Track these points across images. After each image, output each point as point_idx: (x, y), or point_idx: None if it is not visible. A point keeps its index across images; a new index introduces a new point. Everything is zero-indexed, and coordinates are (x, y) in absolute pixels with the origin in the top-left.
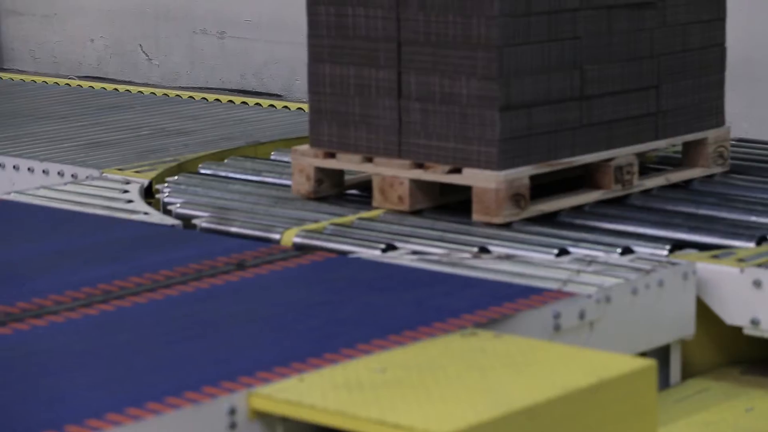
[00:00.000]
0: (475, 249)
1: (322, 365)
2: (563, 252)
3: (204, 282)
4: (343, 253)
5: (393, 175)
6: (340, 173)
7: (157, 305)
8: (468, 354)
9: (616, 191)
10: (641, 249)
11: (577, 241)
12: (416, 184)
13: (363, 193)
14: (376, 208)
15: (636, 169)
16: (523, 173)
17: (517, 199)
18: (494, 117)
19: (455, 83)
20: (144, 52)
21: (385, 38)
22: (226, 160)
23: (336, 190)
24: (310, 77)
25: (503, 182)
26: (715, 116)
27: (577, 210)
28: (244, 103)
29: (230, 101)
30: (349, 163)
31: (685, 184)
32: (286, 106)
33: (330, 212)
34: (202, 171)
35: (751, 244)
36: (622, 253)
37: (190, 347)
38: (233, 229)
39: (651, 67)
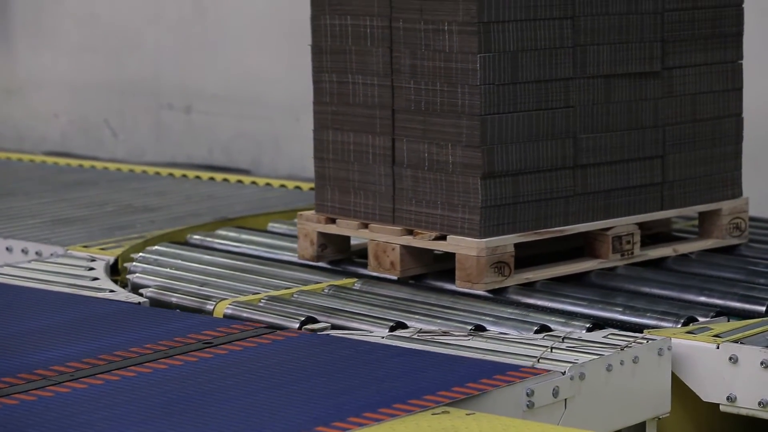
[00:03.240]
0: (419, 327)
1: None
2: (479, 329)
3: (176, 359)
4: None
5: (386, 241)
6: (346, 238)
7: (130, 382)
8: None
9: (614, 261)
10: (558, 327)
11: (499, 319)
12: (407, 250)
13: (365, 259)
14: (367, 275)
15: (637, 239)
16: (506, 241)
17: (499, 267)
18: (477, 184)
19: (442, 151)
20: (109, 127)
21: (381, 105)
22: (218, 231)
23: (342, 255)
24: (315, 143)
25: (484, 250)
26: (731, 187)
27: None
28: (211, 178)
29: (197, 177)
30: (348, 229)
31: (698, 255)
32: (254, 182)
33: (303, 280)
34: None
35: (676, 326)
36: (538, 331)
37: (163, 427)
38: (174, 300)
39: (655, 137)
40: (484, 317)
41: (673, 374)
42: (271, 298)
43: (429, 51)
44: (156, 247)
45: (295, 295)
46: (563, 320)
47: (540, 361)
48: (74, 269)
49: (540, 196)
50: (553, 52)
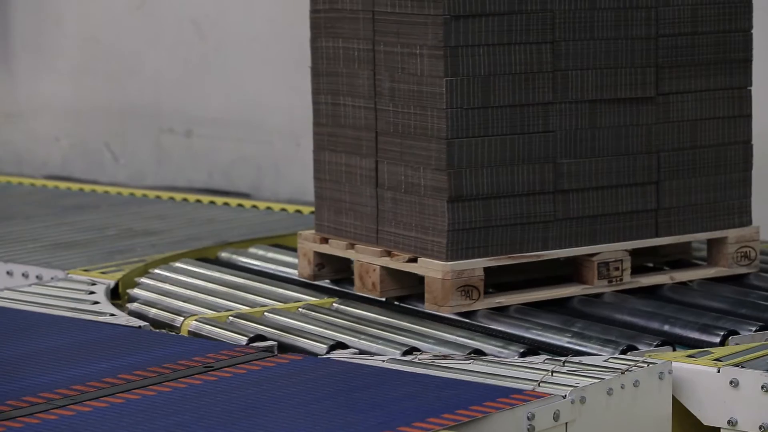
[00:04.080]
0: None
1: None
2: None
3: (180, 382)
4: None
5: (368, 261)
6: (343, 258)
7: (135, 405)
8: None
9: (600, 287)
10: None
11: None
12: (387, 271)
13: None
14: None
15: (627, 265)
16: (474, 265)
17: (467, 290)
18: (444, 207)
19: (416, 173)
20: (110, 151)
21: (366, 127)
22: (251, 249)
23: (341, 275)
24: (314, 164)
25: (449, 272)
26: (738, 215)
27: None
28: (211, 202)
29: (198, 200)
30: (338, 249)
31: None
32: (254, 205)
33: (289, 298)
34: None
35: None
36: (472, 353)
37: None
38: (152, 313)
39: (648, 162)
40: (424, 338)
41: (673, 398)
42: (239, 316)
43: (405, 74)
44: (177, 263)
45: (266, 314)
46: (501, 345)
47: (541, 384)
48: (75, 293)
49: (516, 221)
50: (531, 77)
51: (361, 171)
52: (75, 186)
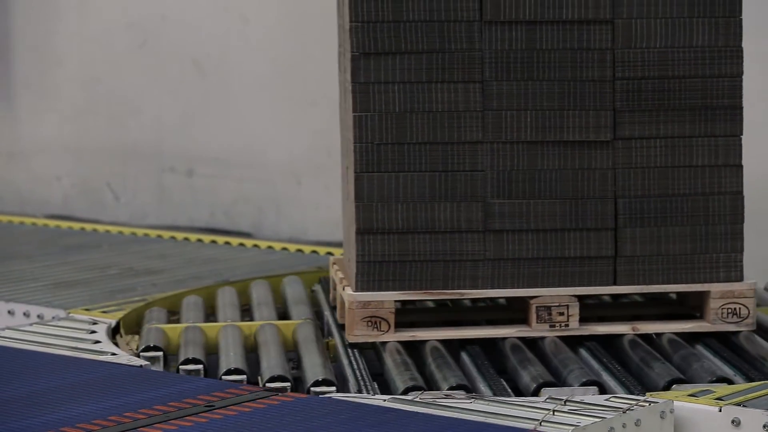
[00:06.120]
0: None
1: None
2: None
3: (186, 420)
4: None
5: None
6: None
7: None
8: None
9: (540, 331)
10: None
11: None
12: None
13: None
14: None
15: (574, 311)
16: (382, 297)
17: (374, 321)
18: (354, 239)
19: (348, 205)
20: (111, 190)
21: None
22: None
23: None
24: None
25: (354, 303)
26: (725, 269)
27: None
28: (213, 241)
29: (199, 240)
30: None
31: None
32: (255, 245)
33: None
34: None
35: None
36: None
37: None
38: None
39: (603, 208)
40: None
41: None
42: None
43: (343, 109)
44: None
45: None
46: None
47: (542, 424)
48: (76, 332)
49: (438, 257)
50: (455, 115)
51: (343, 195)
52: (76, 225)
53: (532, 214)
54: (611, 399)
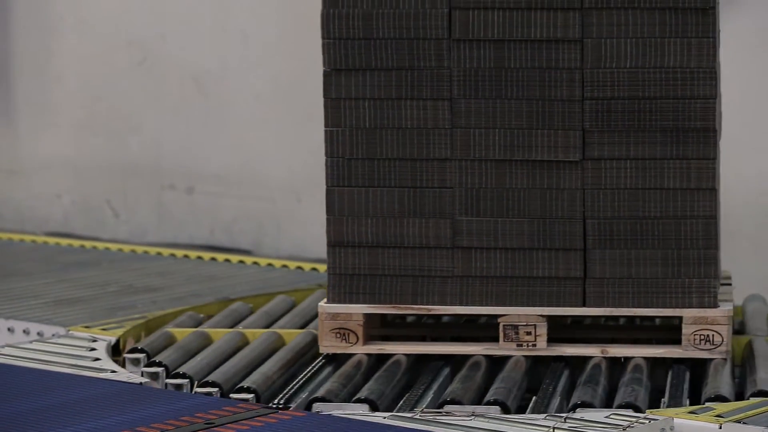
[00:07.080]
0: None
1: None
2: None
3: None
4: None
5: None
6: None
7: None
8: None
9: (507, 350)
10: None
11: None
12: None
13: None
14: None
15: (542, 331)
16: (350, 309)
17: (343, 333)
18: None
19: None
20: (111, 208)
21: None
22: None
23: None
24: None
25: (324, 314)
26: (698, 295)
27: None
28: (213, 259)
29: (199, 257)
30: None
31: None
32: (255, 262)
33: None
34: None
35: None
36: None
37: None
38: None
39: (571, 229)
40: None
41: None
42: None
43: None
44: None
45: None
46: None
47: None
48: (76, 350)
49: (407, 272)
50: (424, 132)
51: None
52: (76, 243)
53: (500, 232)
54: (611, 416)
